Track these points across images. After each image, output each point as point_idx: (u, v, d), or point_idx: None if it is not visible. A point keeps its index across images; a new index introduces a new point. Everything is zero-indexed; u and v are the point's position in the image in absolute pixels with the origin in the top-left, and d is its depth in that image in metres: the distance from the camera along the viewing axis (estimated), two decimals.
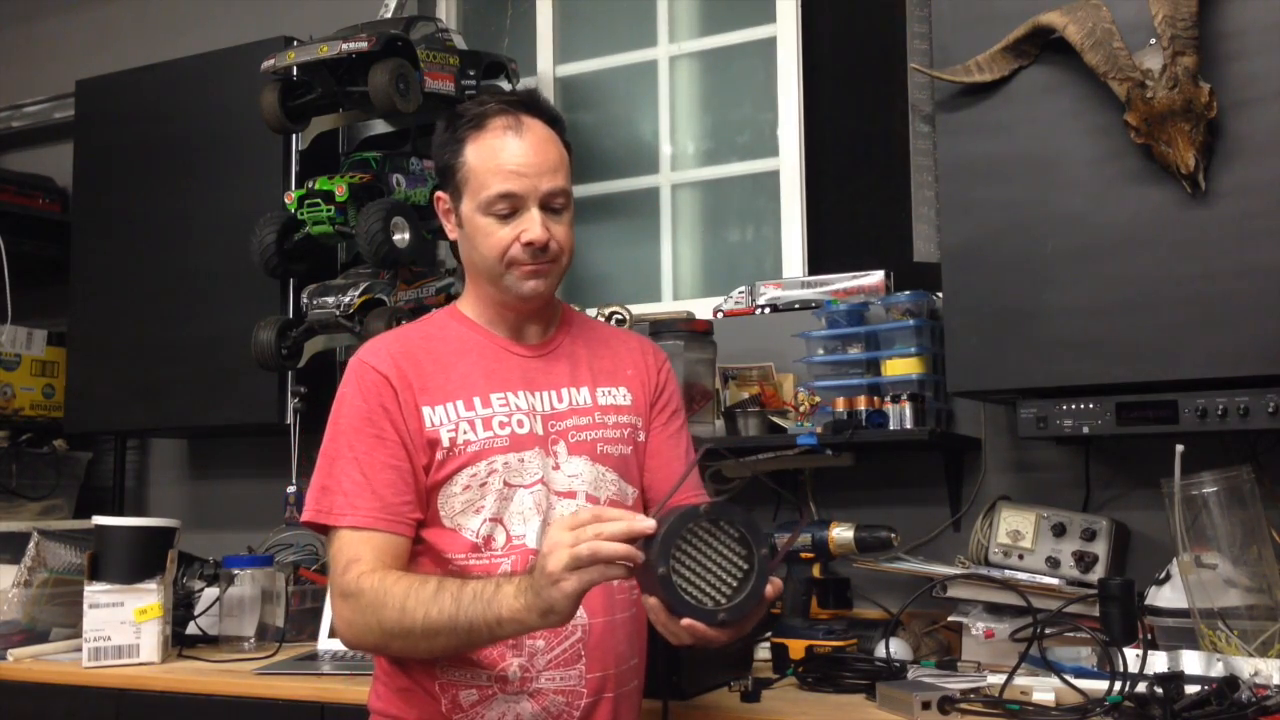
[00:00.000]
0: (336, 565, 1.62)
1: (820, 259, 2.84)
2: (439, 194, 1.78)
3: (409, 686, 1.68)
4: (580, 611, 1.66)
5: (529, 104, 1.73)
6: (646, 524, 1.38)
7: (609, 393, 1.79)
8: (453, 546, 1.66)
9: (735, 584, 1.40)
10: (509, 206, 1.67)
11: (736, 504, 1.43)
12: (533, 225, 1.66)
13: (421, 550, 1.68)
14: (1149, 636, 1.97)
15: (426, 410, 1.67)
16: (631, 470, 1.78)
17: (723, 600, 1.39)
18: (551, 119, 1.74)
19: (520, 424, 1.70)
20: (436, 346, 1.74)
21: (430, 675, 1.66)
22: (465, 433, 1.67)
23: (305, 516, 1.67)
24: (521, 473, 1.68)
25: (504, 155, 1.67)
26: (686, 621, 1.38)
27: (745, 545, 1.40)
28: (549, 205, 1.69)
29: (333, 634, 2.49)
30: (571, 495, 1.71)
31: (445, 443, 1.66)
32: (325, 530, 1.66)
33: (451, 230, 1.77)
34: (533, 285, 1.70)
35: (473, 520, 1.66)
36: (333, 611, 1.62)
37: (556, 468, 1.71)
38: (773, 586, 1.43)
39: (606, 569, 1.39)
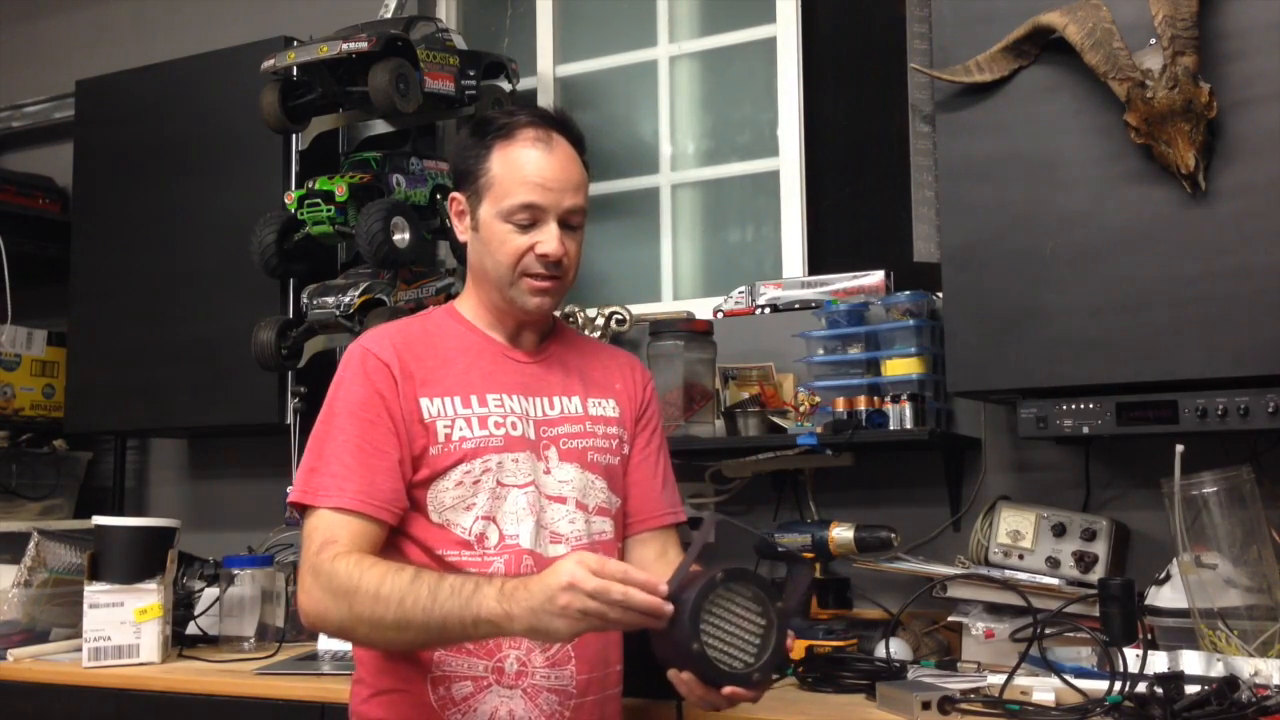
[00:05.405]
0: (311, 543, 1.60)
1: (820, 259, 2.84)
2: (454, 195, 1.79)
3: (394, 688, 1.68)
4: None
5: (559, 121, 1.76)
6: (667, 609, 1.40)
7: (599, 403, 1.82)
8: (442, 542, 1.67)
9: (759, 641, 1.45)
10: (530, 217, 1.70)
11: (744, 565, 1.47)
12: (550, 239, 1.70)
13: (409, 544, 1.68)
14: (1149, 636, 1.96)
15: (424, 402, 1.69)
16: (617, 481, 1.82)
17: (750, 660, 1.44)
18: (576, 139, 1.77)
19: (514, 426, 1.72)
20: (436, 341, 1.76)
21: (424, 668, 1.65)
22: (461, 429, 1.68)
23: (291, 498, 1.67)
24: (515, 473, 1.70)
25: (531, 168, 1.70)
26: (729, 690, 1.42)
27: (760, 602, 1.45)
28: (566, 222, 1.72)
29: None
30: (562, 500, 1.73)
31: (440, 436, 1.67)
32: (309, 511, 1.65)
33: (463, 232, 1.78)
34: (538, 301, 1.74)
35: (464, 517, 1.67)
36: (299, 588, 1.60)
37: (548, 472, 1.73)
38: (790, 637, 1.48)
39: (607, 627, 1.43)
